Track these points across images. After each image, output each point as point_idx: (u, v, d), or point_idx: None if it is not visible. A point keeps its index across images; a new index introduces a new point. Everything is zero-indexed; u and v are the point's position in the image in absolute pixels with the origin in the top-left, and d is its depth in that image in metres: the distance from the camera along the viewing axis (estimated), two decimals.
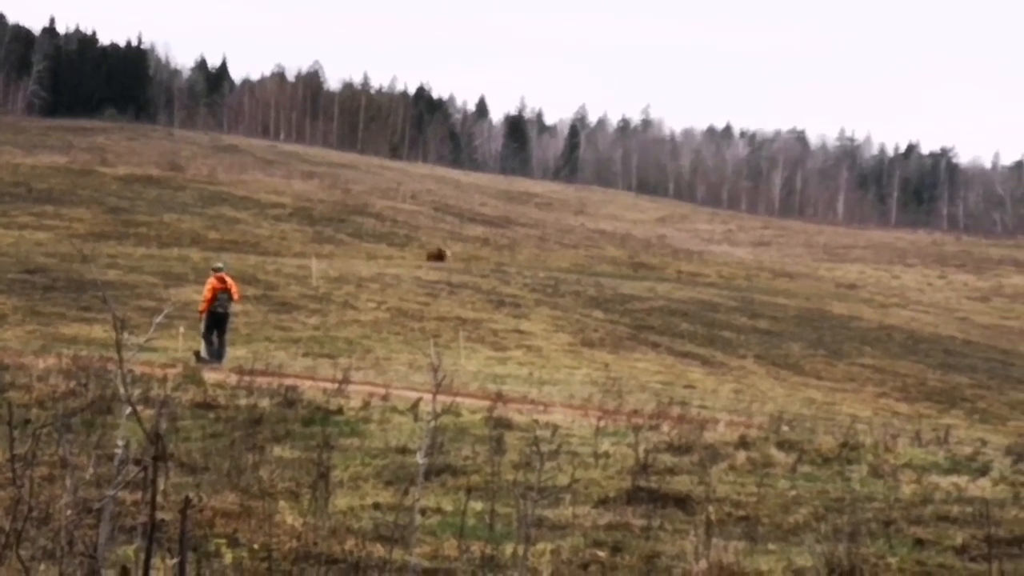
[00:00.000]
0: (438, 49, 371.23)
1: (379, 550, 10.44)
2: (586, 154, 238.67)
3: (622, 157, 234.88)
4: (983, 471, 17.72)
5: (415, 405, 20.51)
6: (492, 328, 47.26)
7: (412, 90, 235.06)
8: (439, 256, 64.61)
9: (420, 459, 8.80)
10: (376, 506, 12.75)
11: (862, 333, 63.44)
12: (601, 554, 11.32)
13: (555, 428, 18.81)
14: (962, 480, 16.58)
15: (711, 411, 28.90)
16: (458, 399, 22.41)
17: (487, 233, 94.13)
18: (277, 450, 15.63)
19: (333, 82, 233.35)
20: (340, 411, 19.83)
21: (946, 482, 16.27)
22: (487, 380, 32.46)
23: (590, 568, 10.89)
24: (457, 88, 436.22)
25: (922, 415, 39.56)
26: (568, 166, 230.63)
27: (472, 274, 63.44)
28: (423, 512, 12.30)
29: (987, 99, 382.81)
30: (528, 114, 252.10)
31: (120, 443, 7.28)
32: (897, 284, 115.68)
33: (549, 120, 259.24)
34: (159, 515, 9.38)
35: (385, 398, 21.78)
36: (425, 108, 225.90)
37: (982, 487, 16.09)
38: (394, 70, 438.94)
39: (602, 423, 19.67)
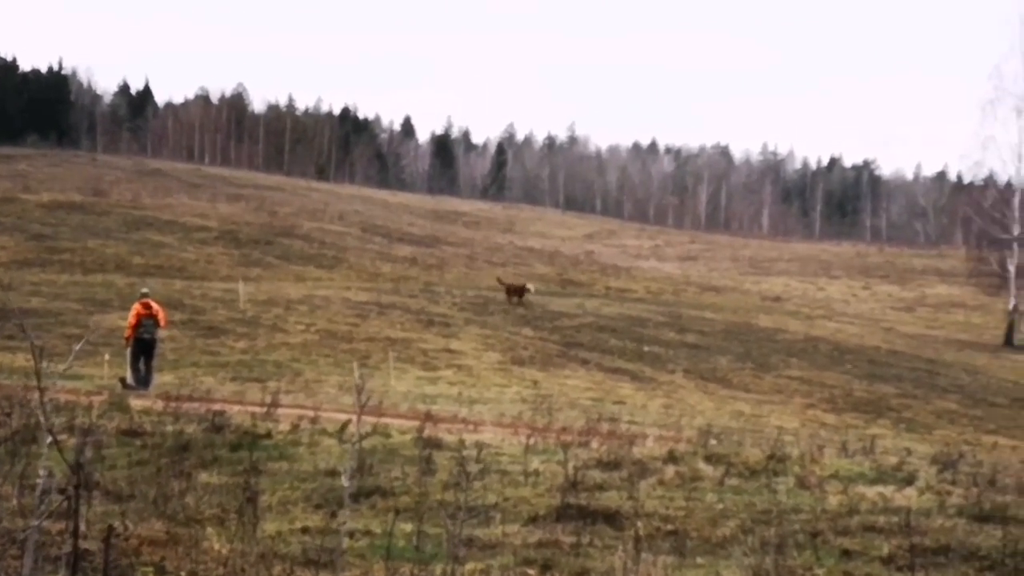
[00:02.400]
0: (363, 70, 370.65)
1: (307, 575, 10.41)
2: (513, 172, 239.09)
3: (549, 174, 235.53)
4: (909, 481, 17.87)
5: (344, 427, 20.47)
6: (422, 348, 47.20)
7: (337, 111, 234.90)
8: (520, 291, 61.20)
9: (345, 482, 8.81)
10: (305, 530, 12.72)
11: (788, 345, 63.79)
12: (531, 572, 11.36)
13: (485, 447, 18.83)
14: (888, 490, 16.72)
15: (641, 426, 29.00)
16: (388, 420, 22.42)
17: (416, 253, 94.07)
18: (204, 476, 15.56)
19: (258, 104, 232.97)
20: (268, 435, 19.76)
21: (872, 492, 16.40)
22: (417, 400, 32.43)
23: None
24: (383, 108, 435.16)
25: (849, 425, 39.75)
26: (496, 184, 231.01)
27: (401, 294, 63.38)
28: (351, 535, 12.28)
29: (908, 111, 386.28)
30: (455, 133, 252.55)
31: (42, 472, 7.24)
32: (822, 296, 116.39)
33: (476, 139, 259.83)
34: (84, 544, 9.33)
35: (314, 421, 21.71)
36: (351, 129, 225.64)
37: (908, 497, 16.24)
38: (319, 91, 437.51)
39: (532, 441, 19.69)
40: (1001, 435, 42.98)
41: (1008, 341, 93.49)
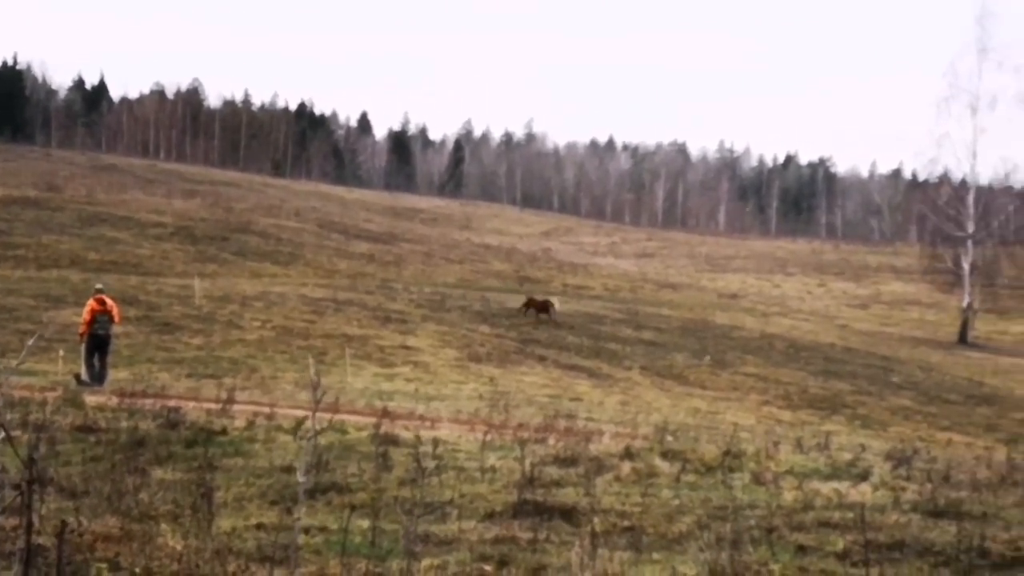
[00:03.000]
0: (319, 65, 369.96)
1: (262, 571, 10.36)
2: (471, 169, 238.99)
3: (506, 172, 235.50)
4: (863, 476, 17.94)
5: (300, 424, 20.40)
6: (379, 344, 47.12)
7: (294, 106, 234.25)
8: (544, 307, 59.53)
9: (301, 477, 8.77)
10: (260, 526, 12.65)
11: (745, 342, 63.99)
12: (488, 568, 11.32)
13: (442, 443, 18.79)
14: (843, 486, 16.77)
15: (597, 423, 29.01)
16: (344, 417, 22.36)
17: (373, 249, 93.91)
18: (159, 472, 15.47)
19: (214, 99, 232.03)
20: (224, 431, 19.68)
21: (827, 488, 16.45)
22: (374, 397, 32.38)
23: None
24: (339, 104, 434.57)
25: (804, 422, 39.92)
26: (453, 181, 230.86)
27: (358, 291, 63.25)
28: (307, 531, 12.23)
29: (863, 109, 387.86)
30: (412, 130, 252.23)
31: None
32: (778, 293, 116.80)
33: (433, 135, 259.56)
34: (38, 540, 9.27)
35: (270, 417, 21.64)
36: (307, 125, 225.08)
37: (862, 492, 16.28)
38: (275, 86, 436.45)
39: (488, 437, 19.68)
40: (955, 432, 43.20)
41: (962, 338, 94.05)
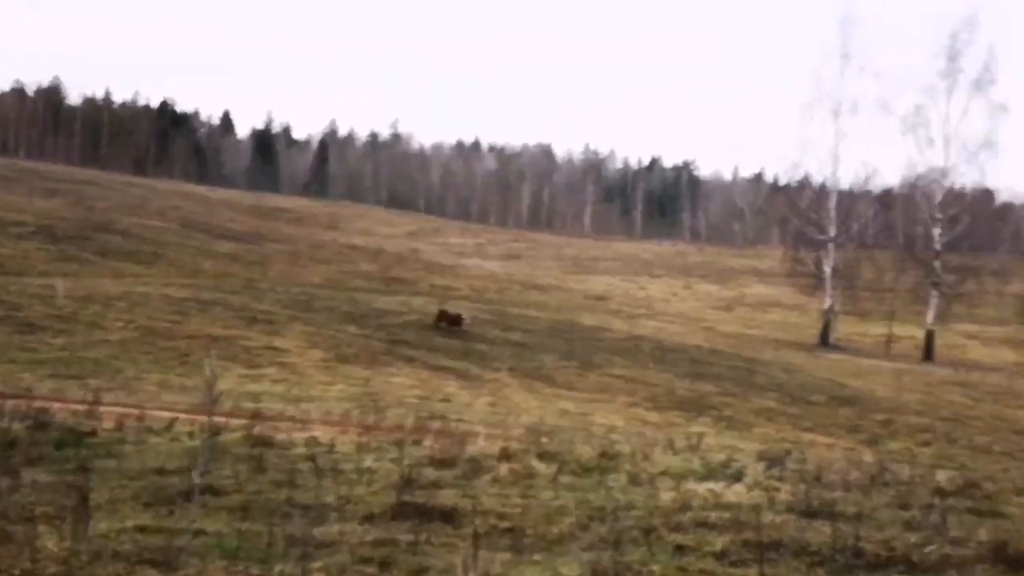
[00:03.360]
0: (181, 63, 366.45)
1: (145, 573, 10.25)
2: (336, 169, 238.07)
3: (372, 172, 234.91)
4: (737, 477, 18.11)
5: (171, 425, 20.20)
6: (245, 345, 46.68)
7: (156, 105, 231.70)
8: (456, 320, 58.13)
9: (197, 478, 8.67)
10: (138, 529, 12.49)
11: (612, 344, 64.34)
12: (369, 570, 11.27)
13: (316, 445, 18.69)
14: (718, 486, 16.92)
15: (469, 424, 29.01)
16: (215, 418, 22.15)
17: (237, 249, 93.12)
18: (31, 474, 15.23)
19: (74, 97, 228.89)
20: (94, 433, 19.42)
21: (703, 489, 16.58)
22: (241, 398, 32.06)
23: None
24: (202, 103, 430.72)
25: (672, 423, 40.21)
26: (317, 181, 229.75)
27: (223, 291, 62.62)
28: (186, 534, 12.11)
29: (726, 113, 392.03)
30: (275, 129, 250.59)
31: None
32: (644, 295, 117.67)
33: (297, 135, 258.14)
34: None
35: (140, 419, 21.39)
36: (170, 123, 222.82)
37: (737, 493, 16.44)
38: (137, 84, 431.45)
39: (363, 439, 19.61)
40: (818, 433, 43.77)
41: (824, 340, 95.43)
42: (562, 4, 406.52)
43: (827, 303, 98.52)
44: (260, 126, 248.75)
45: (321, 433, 21.91)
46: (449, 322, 57.09)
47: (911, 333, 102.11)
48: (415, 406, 34.39)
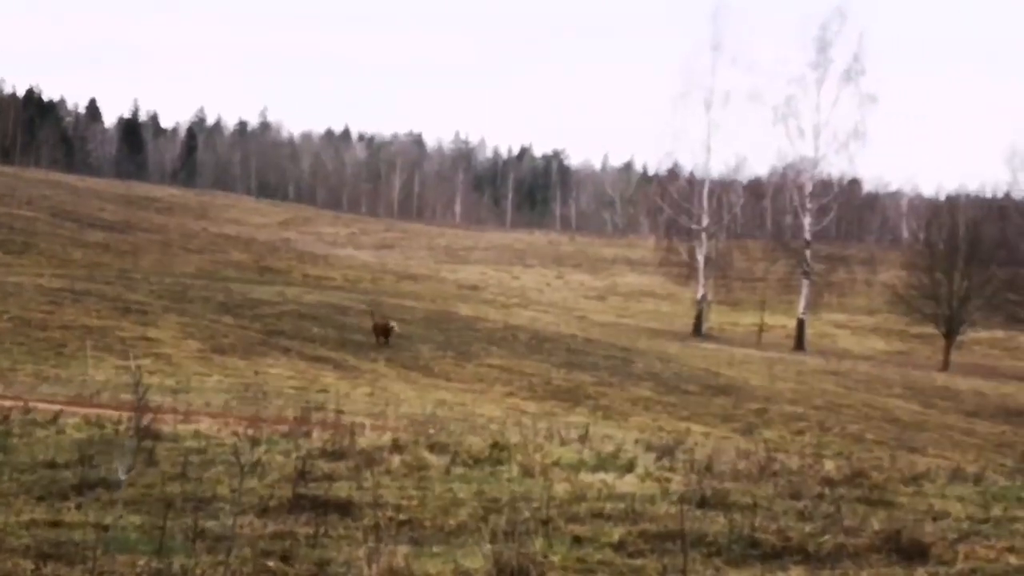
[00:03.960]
0: (47, 51, 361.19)
1: (42, 567, 10.11)
2: (204, 157, 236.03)
3: (241, 160, 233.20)
4: (629, 468, 18.19)
5: (56, 418, 19.92)
6: (119, 336, 46.18)
7: (21, 92, 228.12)
8: (385, 331, 54.99)
9: (122, 475, 8.53)
10: (33, 523, 12.29)
11: (488, 334, 64.47)
12: (271, 564, 11.18)
13: (204, 437, 18.53)
14: (610, 477, 16.99)
15: (350, 415, 28.91)
16: (96, 410, 21.89)
17: (108, 239, 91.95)
18: None
19: None
20: None
21: (596, 480, 16.63)
22: (118, 390, 31.69)
23: None
24: (68, 90, 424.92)
25: (549, 413, 40.39)
26: (186, 169, 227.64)
27: (96, 281, 61.90)
28: (82, 527, 11.96)
29: (596, 102, 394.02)
30: (143, 117, 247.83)
31: None
32: (517, 285, 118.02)
33: (165, 123, 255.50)
34: None
35: (26, 411, 21.07)
36: (36, 111, 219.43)
37: (630, 484, 16.51)
38: (1, 72, 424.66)
39: (250, 431, 19.46)
40: (693, 421, 44.25)
41: (697, 330, 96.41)
42: None
43: (700, 293, 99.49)
44: (127, 114, 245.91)
45: (206, 425, 21.70)
46: (380, 332, 54.64)
47: (782, 322, 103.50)
48: (293, 397, 34.23)
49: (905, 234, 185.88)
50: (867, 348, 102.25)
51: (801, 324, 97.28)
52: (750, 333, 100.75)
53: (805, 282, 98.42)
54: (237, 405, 28.24)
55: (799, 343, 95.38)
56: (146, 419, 20.12)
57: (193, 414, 24.67)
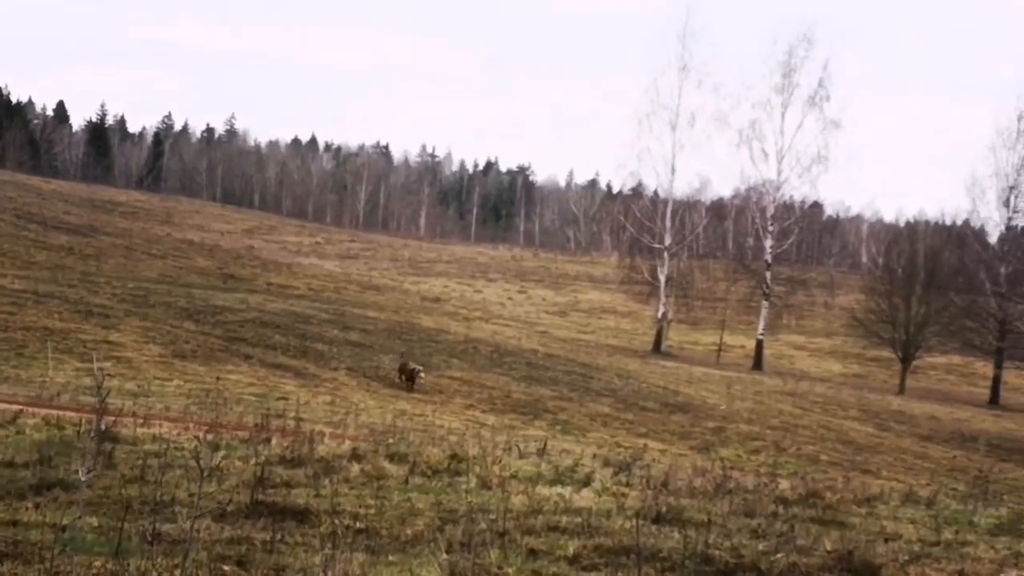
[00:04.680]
0: (15, 51, 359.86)
1: (8, 567, 10.18)
2: (170, 163, 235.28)
3: (207, 167, 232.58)
4: (585, 482, 18.33)
5: (15, 418, 19.95)
6: (80, 339, 46.09)
7: None
8: (411, 376, 52.95)
9: (83, 476, 8.64)
10: None
11: (449, 346, 64.54)
12: (227, 568, 11.26)
13: (163, 441, 18.58)
14: (567, 491, 17.11)
15: (309, 423, 28.95)
16: (56, 412, 21.91)
17: (72, 242, 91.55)
18: None
19: None
20: None
21: (552, 493, 16.76)
22: (78, 392, 31.70)
23: None
24: (36, 92, 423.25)
25: (508, 426, 40.45)
26: (152, 175, 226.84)
27: (59, 283, 61.73)
28: (40, 528, 12.02)
29: (563, 119, 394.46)
30: (110, 121, 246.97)
31: None
32: (480, 298, 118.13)
33: (132, 128, 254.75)
34: None
35: None
36: (3, 112, 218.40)
37: (587, 498, 16.64)
38: None
39: (209, 436, 19.52)
40: (651, 438, 44.36)
41: (657, 347, 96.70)
42: (403, 4, 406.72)
43: (660, 311, 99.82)
44: (95, 118, 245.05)
45: (165, 429, 21.74)
46: (407, 378, 53.13)
47: (741, 342, 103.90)
48: (253, 404, 34.22)
49: (864, 259, 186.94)
50: (824, 370, 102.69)
51: (760, 344, 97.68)
52: (709, 352, 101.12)
53: (765, 303, 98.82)
54: (197, 410, 28.21)
55: (757, 363, 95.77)
56: (106, 422, 20.20)
57: (153, 418, 24.70)
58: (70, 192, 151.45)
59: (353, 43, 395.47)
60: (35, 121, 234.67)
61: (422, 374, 49.63)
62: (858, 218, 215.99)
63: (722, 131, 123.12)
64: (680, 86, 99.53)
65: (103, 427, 19.44)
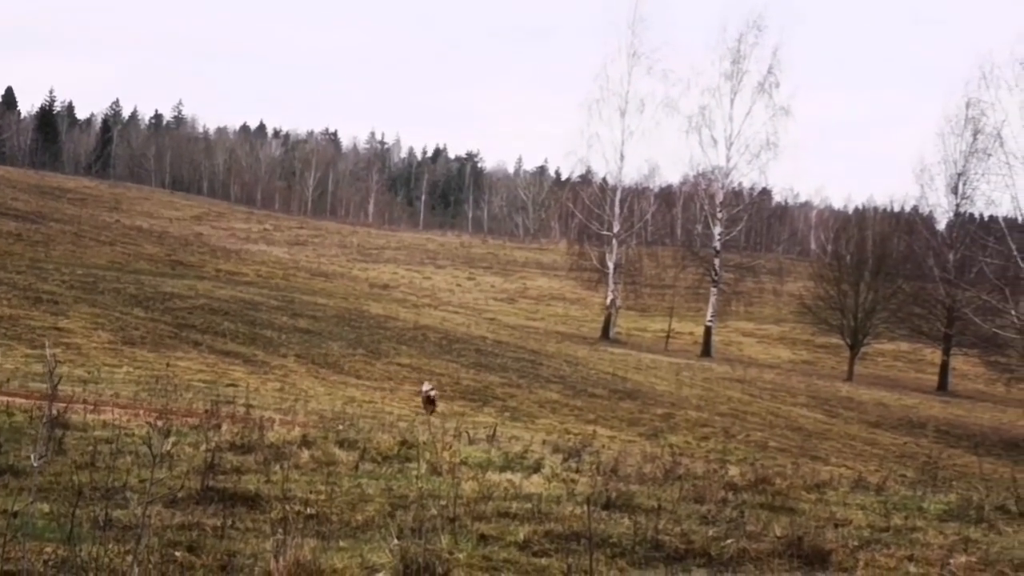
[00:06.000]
0: None
1: None
2: (119, 150, 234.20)
3: (155, 154, 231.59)
4: (535, 468, 18.38)
5: None
6: (29, 325, 45.86)
7: None
8: (431, 402, 52.97)
9: (35, 462, 8.65)
10: None
11: (399, 333, 64.52)
12: (178, 554, 11.28)
13: (113, 427, 18.54)
14: (516, 477, 17.16)
15: (259, 410, 28.93)
16: (4, 398, 21.82)
17: (20, 228, 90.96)
18: None
19: None
20: None
21: (502, 479, 16.80)
22: (27, 379, 31.56)
23: (170, 569, 10.84)
24: None
25: (457, 413, 40.55)
26: (100, 161, 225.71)
27: (7, 270, 61.35)
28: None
29: (512, 106, 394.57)
30: (58, 107, 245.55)
31: None
32: (429, 285, 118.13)
33: (81, 114, 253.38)
34: None
35: None
36: None
37: (536, 484, 16.70)
38: None
39: (159, 422, 19.49)
40: (600, 425, 44.50)
41: (605, 334, 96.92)
42: None
43: (609, 298, 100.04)
44: (43, 104, 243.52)
45: (115, 416, 21.69)
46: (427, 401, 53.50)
47: (690, 329, 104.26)
48: (202, 390, 34.16)
49: (813, 246, 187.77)
50: (773, 357, 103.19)
51: (708, 331, 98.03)
52: (658, 339, 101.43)
53: (713, 290, 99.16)
54: (147, 397, 28.15)
55: (706, 350, 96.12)
56: (57, 408, 20.13)
57: (103, 405, 24.62)
58: (18, 179, 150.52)
59: (302, 29, 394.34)
60: None
61: (433, 392, 50.08)
62: (807, 205, 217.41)
63: (671, 118, 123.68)
64: (630, 72, 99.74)
65: (54, 413, 19.41)
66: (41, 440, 15.41)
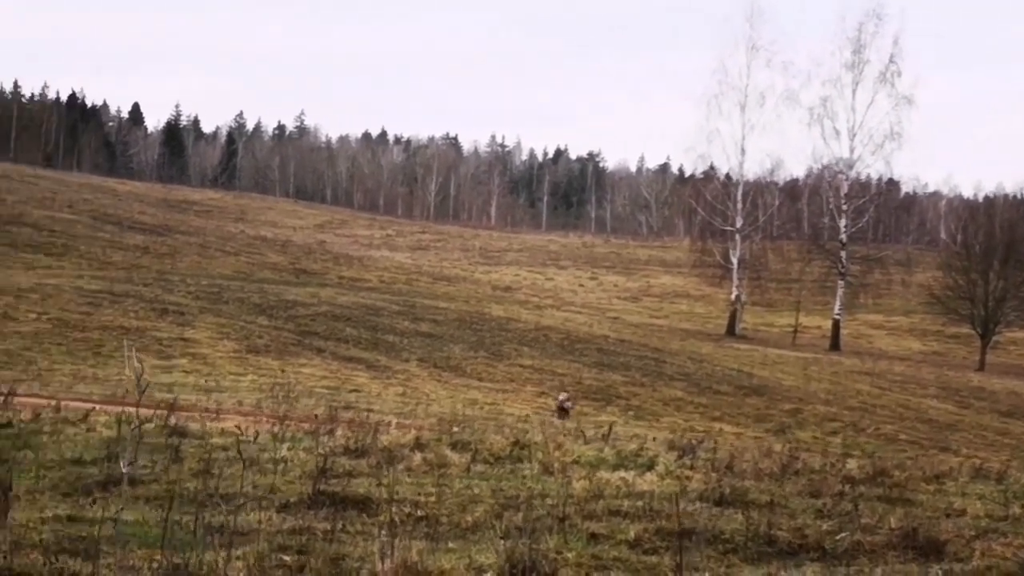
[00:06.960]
0: (91, 55, 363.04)
1: (66, 563, 10.28)
2: (244, 161, 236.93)
3: (279, 164, 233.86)
4: (649, 466, 18.24)
5: (87, 416, 20.16)
6: (156, 336, 46.57)
7: (65, 97, 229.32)
8: (565, 411, 53.55)
9: (124, 467, 8.71)
10: (58, 519, 12.50)
11: (520, 334, 64.59)
12: (287, 558, 11.33)
13: (231, 435, 18.72)
14: (629, 475, 17.04)
15: (379, 414, 29.11)
16: (129, 408, 22.11)
17: (147, 241, 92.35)
18: None
19: None
20: (9, 424, 19.35)
21: (615, 477, 16.69)
22: (154, 389, 31.95)
23: (279, 573, 10.90)
24: (111, 95, 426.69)
25: (581, 413, 40.50)
26: (226, 173, 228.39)
27: (135, 283, 62.29)
28: (102, 523, 12.13)
29: (633, 104, 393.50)
30: (184, 121, 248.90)
31: None
32: (551, 286, 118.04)
33: (206, 128, 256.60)
34: None
35: (57, 410, 21.35)
36: (79, 116, 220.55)
37: (649, 482, 16.56)
38: (45, 77, 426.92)
39: (276, 429, 19.65)
40: (725, 422, 44.29)
41: (731, 330, 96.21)
42: None
43: (734, 293, 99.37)
44: (169, 119, 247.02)
45: (234, 423, 21.91)
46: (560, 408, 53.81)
47: (817, 323, 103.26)
48: (325, 396, 34.45)
49: (943, 235, 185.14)
50: (903, 348, 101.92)
51: (836, 325, 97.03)
52: (785, 334, 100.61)
53: (841, 283, 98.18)
54: (269, 404, 28.42)
55: (834, 343, 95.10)
56: (175, 417, 20.39)
57: (224, 413, 24.95)
58: (145, 193, 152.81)
59: (421, 35, 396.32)
60: (110, 124, 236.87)
61: (569, 403, 50.03)
62: (936, 195, 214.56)
63: (792, 110, 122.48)
64: (748, 66, 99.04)
65: (171, 423, 19.66)
66: (141, 448, 15.58)
